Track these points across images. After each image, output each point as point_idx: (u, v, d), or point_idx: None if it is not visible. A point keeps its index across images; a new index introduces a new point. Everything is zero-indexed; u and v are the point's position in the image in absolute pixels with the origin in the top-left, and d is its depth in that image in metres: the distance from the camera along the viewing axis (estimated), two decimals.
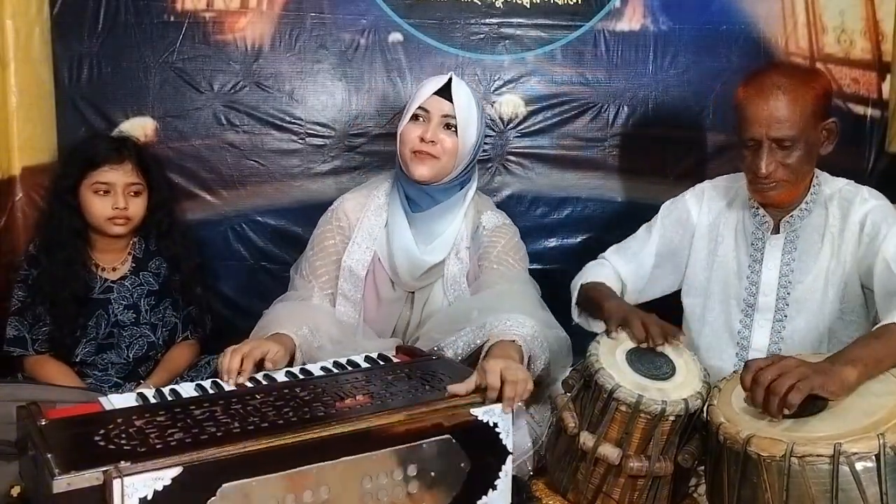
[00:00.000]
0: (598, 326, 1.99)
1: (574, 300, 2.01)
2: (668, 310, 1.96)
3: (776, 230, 1.89)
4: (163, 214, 2.28)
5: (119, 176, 2.17)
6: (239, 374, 1.62)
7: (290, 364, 1.78)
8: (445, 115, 1.98)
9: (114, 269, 2.23)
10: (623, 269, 2.03)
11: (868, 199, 1.84)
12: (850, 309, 1.85)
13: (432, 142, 1.96)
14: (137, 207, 2.21)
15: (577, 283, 2.03)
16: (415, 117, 1.99)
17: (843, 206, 1.85)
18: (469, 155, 2.02)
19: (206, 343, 2.33)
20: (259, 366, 1.67)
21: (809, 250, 1.87)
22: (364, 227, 2.06)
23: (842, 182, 1.89)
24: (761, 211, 1.90)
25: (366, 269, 2.05)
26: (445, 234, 2.04)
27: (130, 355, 2.21)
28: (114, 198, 2.16)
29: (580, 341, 1.90)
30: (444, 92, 1.98)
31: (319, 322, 1.91)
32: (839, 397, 1.42)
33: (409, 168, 1.99)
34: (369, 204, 2.09)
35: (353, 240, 2.05)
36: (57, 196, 2.21)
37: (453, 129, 1.98)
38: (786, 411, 1.40)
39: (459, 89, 1.99)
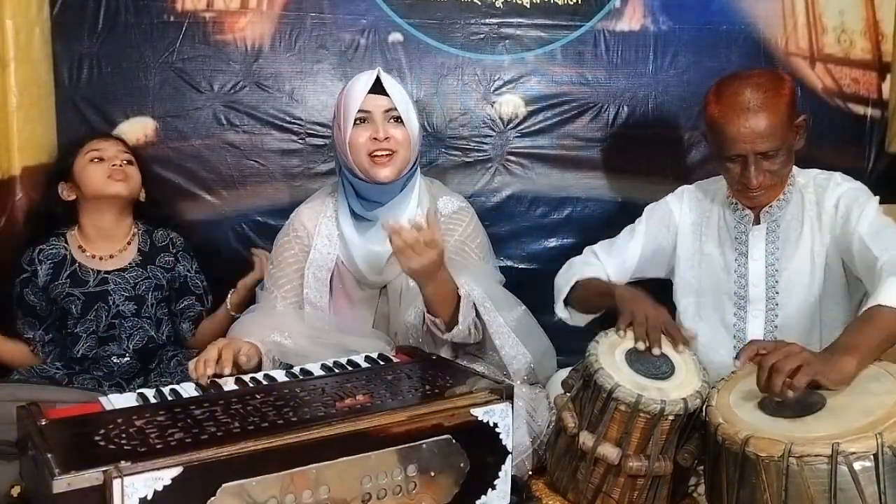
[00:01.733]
0: (582, 320, 2.02)
1: (563, 296, 2.02)
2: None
3: (757, 221, 1.94)
4: (157, 209, 2.32)
5: (111, 145, 2.25)
6: (219, 367, 1.65)
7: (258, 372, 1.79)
8: (388, 110, 1.98)
9: (111, 258, 2.24)
10: (609, 264, 2.05)
11: (841, 183, 1.89)
12: (833, 291, 1.89)
13: (386, 138, 1.96)
14: (133, 173, 2.24)
15: (566, 278, 2.03)
16: (357, 121, 1.98)
17: (817, 191, 1.90)
18: (418, 141, 2.04)
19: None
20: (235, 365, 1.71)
21: (791, 237, 1.91)
22: (322, 233, 2.08)
23: (814, 171, 1.95)
24: (741, 205, 1.94)
25: (329, 273, 2.06)
26: (401, 221, 2.04)
27: (130, 346, 2.20)
28: (108, 161, 2.20)
29: (580, 341, 1.90)
30: (377, 88, 1.97)
31: (290, 325, 1.93)
32: (839, 387, 1.43)
33: (371, 173, 1.98)
34: (324, 210, 2.10)
35: (314, 247, 2.07)
36: (46, 187, 2.27)
37: (399, 120, 1.98)
38: (790, 394, 1.41)
39: (390, 81, 1.99)
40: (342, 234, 2.05)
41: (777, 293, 1.92)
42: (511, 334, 1.93)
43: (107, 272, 2.21)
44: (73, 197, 2.22)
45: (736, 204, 1.95)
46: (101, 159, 2.20)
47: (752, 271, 1.94)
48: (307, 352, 1.84)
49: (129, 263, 2.24)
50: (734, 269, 1.96)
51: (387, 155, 1.97)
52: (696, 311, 2.01)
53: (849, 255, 1.82)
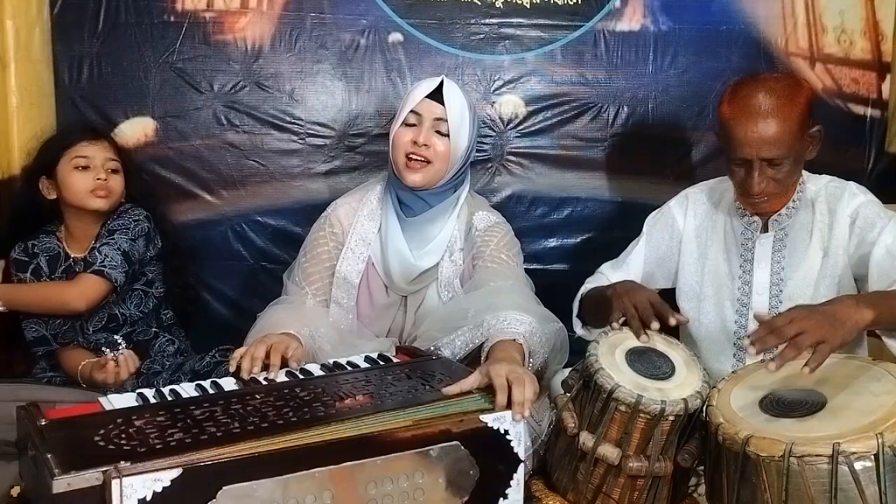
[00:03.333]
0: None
1: (575, 313, 2.01)
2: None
3: (764, 229, 1.91)
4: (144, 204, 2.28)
5: (97, 150, 2.18)
6: (267, 367, 1.63)
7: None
8: (437, 119, 1.97)
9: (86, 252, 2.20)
10: (614, 278, 2.02)
11: (857, 194, 1.86)
12: None
13: (425, 145, 1.96)
14: (116, 183, 2.20)
15: (577, 297, 2.03)
16: (407, 121, 1.99)
17: (830, 201, 1.88)
18: (462, 158, 2.02)
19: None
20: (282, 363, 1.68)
21: (798, 247, 1.89)
22: (357, 233, 2.06)
23: (826, 179, 1.92)
24: (749, 212, 1.91)
25: (360, 276, 2.05)
26: (438, 238, 2.04)
27: (115, 334, 2.17)
28: (94, 171, 2.16)
29: (581, 342, 1.90)
30: (436, 95, 1.97)
31: (318, 325, 1.92)
32: (848, 341, 1.50)
33: (402, 175, 1.99)
34: (362, 209, 2.08)
35: (347, 246, 2.06)
36: (27, 180, 2.22)
37: (445, 132, 1.97)
38: (805, 370, 1.44)
39: (451, 92, 1.98)
40: (383, 235, 2.04)
41: (780, 302, 1.89)
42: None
43: (77, 259, 2.19)
44: (53, 196, 2.18)
45: (744, 210, 1.92)
46: (86, 168, 2.15)
47: (756, 279, 1.91)
48: (327, 357, 1.82)
49: (91, 249, 2.18)
50: (738, 275, 1.93)
51: (421, 161, 1.97)
52: (696, 316, 1.98)
53: (860, 264, 1.80)
